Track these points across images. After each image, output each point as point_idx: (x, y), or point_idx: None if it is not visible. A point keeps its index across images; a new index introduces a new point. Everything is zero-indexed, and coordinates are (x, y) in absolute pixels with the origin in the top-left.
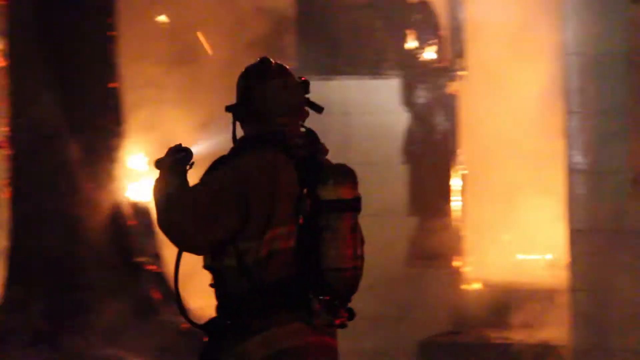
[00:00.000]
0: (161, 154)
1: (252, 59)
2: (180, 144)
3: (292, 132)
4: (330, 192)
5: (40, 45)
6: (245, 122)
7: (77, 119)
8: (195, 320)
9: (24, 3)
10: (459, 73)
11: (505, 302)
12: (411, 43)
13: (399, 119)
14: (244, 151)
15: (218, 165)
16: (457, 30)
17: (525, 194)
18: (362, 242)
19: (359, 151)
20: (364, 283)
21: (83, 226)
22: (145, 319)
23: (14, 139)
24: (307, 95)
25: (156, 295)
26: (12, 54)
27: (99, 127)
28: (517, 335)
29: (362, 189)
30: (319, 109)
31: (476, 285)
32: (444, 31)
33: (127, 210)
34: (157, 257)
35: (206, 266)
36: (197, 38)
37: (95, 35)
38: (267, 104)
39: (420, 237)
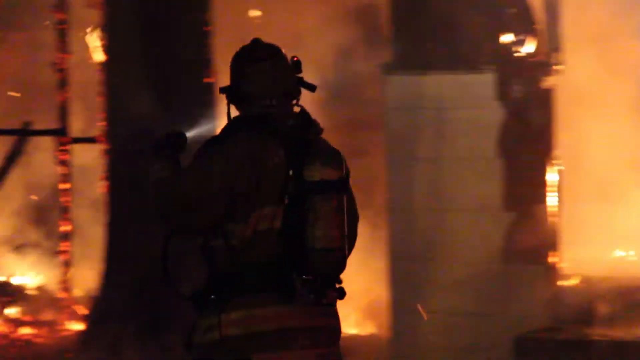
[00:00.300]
0: None
1: (345, 54)
2: (172, 131)
3: (282, 114)
4: (315, 173)
5: (138, 40)
6: (237, 103)
7: (173, 114)
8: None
9: None
10: (555, 67)
11: (603, 298)
12: (507, 37)
13: (494, 114)
14: (231, 133)
15: (207, 148)
16: (553, 24)
17: (622, 189)
18: (357, 219)
19: (453, 146)
20: (460, 278)
21: None
22: None
23: (110, 134)
24: (300, 75)
25: None
26: (110, 49)
27: (194, 121)
28: (615, 332)
29: (457, 184)
30: (312, 87)
31: (573, 281)
32: (540, 25)
33: None
34: None
35: (197, 245)
36: (291, 32)
37: (191, 30)
38: (256, 86)
39: (516, 233)
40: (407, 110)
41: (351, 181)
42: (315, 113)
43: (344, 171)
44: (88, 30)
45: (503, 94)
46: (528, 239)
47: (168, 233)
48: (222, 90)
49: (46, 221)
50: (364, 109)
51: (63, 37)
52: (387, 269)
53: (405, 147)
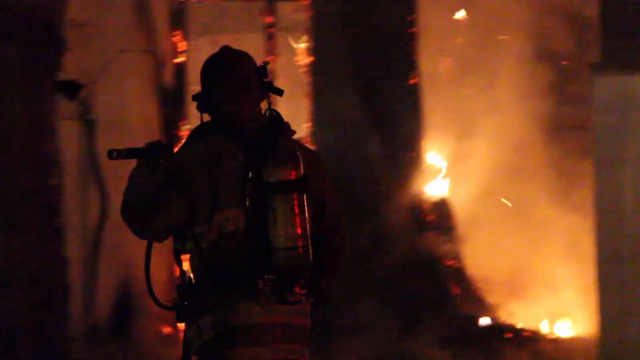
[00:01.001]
0: (456, 147)
1: (552, 53)
2: (159, 140)
3: (246, 118)
4: (271, 174)
5: (342, 42)
6: (205, 110)
7: (377, 115)
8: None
9: (328, 0)
10: None
11: None
12: None
13: None
14: (193, 140)
15: (172, 156)
16: None
17: None
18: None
19: None
20: None
21: (382, 221)
22: (444, 313)
23: (316, 135)
24: (267, 80)
25: (455, 290)
26: (316, 51)
27: (399, 123)
28: None
29: None
30: (279, 92)
31: None
32: None
33: (425, 206)
34: (456, 252)
35: (174, 250)
36: (495, 33)
37: (396, 31)
38: (219, 92)
39: None
40: (616, 110)
41: (555, 181)
42: (520, 112)
43: (303, 171)
44: (295, 33)
45: None
46: None
47: (150, 242)
48: (193, 97)
49: None
50: (571, 109)
51: (271, 39)
52: (595, 271)
53: (613, 147)
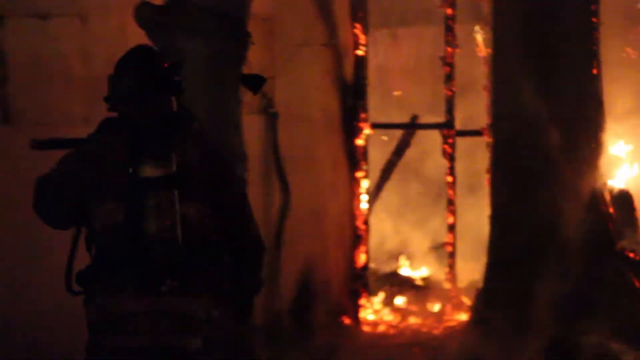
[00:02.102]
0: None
1: None
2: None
3: (138, 115)
4: (144, 171)
5: (522, 32)
6: (109, 107)
7: (558, 106)
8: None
9: None
10: None
11: None
12: None
13: None
14: (89, 136)
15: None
16: None
17: None
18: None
19: None
20: None
21: (562, 213)
22: (626, 307)
23: (494, 127)
24: (174, 78)
25: (637, 283)
26: (495, 42)
27: (580, 114)
28: None
29: None
30: (180, 91)
31: None
32: None
33: (607, 198)
34: (638, 244)
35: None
36: None
37: (578, 21)
38: (115, 90)
39: None
40: None
41: None
42: None
43: (174, 168)
44: (474, 24)
45: None
46: None
47: (76, 234)
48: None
49: (431, 213)
50: None
51: (451, 31)
52: None
53: None
